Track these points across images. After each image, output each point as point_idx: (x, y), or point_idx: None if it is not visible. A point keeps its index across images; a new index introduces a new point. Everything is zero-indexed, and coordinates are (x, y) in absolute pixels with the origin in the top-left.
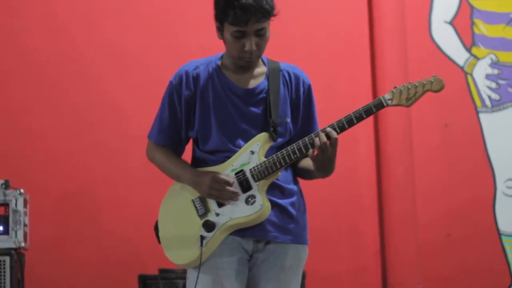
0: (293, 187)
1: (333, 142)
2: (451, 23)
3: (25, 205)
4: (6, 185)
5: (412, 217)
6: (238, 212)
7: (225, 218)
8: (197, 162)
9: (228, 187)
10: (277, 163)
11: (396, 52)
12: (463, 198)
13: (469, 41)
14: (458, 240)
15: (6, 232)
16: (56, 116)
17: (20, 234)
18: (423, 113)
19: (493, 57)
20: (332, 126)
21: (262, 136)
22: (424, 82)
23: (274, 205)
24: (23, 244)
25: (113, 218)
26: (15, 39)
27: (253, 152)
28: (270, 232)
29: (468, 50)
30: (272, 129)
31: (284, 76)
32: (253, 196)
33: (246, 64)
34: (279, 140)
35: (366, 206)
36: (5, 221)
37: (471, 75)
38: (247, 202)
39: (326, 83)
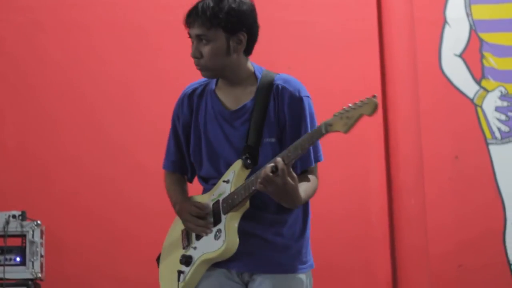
0: (279, 215)
1: (280, 173)
2: (461, 56)
3: (41, 236)
4: (23, 217)
5: (424, 248)
6: (208, 247)
7: (199, 252)
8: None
9: (199, 220)
10: (239, 195)
11: (407, 85)
12: (474, 229)
13: (479, 74)
14: (469, 271)
15: (23, 263)
16: (72, 149)
17: (37, 265)
18: (434, 144)
19: (503, 89)
20: (281, 156)
21: (236, 164)
22: (359, 105)
23: (254, 236)
24: (40, 275)
25: (131, 251)
26: (30, 71)
27: (227, 181)
28: (250, 264)
29: (478, 82)
30: (247, 155)
31: (273, 90)
32: (220, 231)
33: (202, 75)
34: (263, 163)
35: (378, 238)
36: (22, 252)
37: (481, 107)
38: (215, 236)
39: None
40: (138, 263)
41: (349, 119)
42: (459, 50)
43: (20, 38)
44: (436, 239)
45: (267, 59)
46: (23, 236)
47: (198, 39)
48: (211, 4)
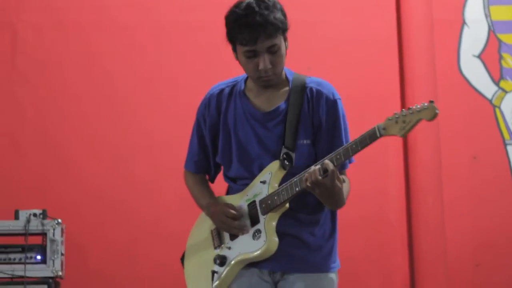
0: (313, 215)
1: (330, 175)
2: (479, 57)
3: (62, 235)
4: (44, 215)
5: (441, 248)
6: (246, 247)
7: (235, 252)
8: (228, 188)
9: (235, 222)
10: (281, 197)
11: (426, 85)
12: (492, 229)
13: (497, 75)
14: (487, 271)
15: (44, 261)
16: (92, 148)
17: (58, 263)
18: (452, 145)
19: None
20: (329, 158)
21: (274, 165)
22: (418, 110)
23: (287, 235)
24: (60, 273)
25: (149, 249)
26: (52, 72)
27: (264, 182)
28: (284, 263)
29: (496, 83)
30: (284, 156)
31: (307, 93)
32: (259, 231)
33: (265, 84)
34: (298, 164)
35: (396, 238)
36: (43, 250)
37: (499, 108)
38: (253, 237)
39: (356, 118)
40: (158, 262)
41: (406, 123)
42: (477, 51)
43: (41, 39)
44: (454, 239)
45: (287, 60)
46: (44, 234)
47: (269, 51)
48: (269, 12)
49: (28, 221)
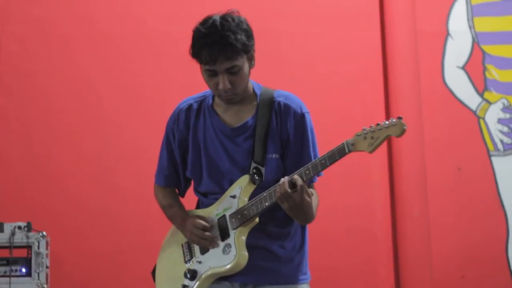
0: (283, 228)
1: (298, 190)
2: (463, 68)
3: (47, 247)
4: (29, 228)
5: (427, 260)
6: (216, 262)
7: (205, 267)
8: (197, 202)
9: (205, 233)
10: (251, 211)
11: (410, 97)
12: (477, 241)
13: (482, 86)
14: (473, 282)
15: (29, 274)
16: (77, 159)
17: (43, 276)
18: (437, 157)
19: (505, 101)
20: (298, 173)
21: (243, 179)
22: (386, 126)
23: (258, 248)
24: (45, 286)
25: (134, 261)
26: (35, 84)
27: (234, 196)
28: (254, 276)
29: (481, 94)
30: (254, 170)
31: (275, 107)
32: (229, 245)
33: (227, 102)
34: (268, 179)
35: (382, 250)
36: (27, 263)
37: (484, 119)
38: (223, 251)
39: (340, 130)
40: (143, 273)
41: (374, 140)
42: (461, 62)
43: (25, 50)
44: (439, 250)
45: (270, 71)
46: (28, 247)
47: (228, 72)
48: (230, 34)
49: (13, 233)
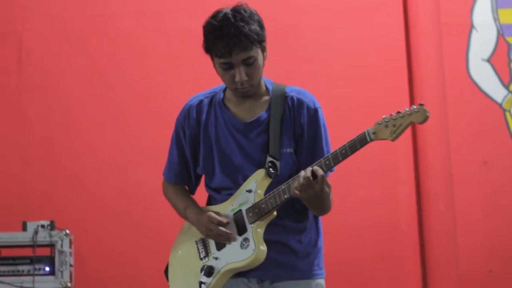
0: (299, 223)
1: (319, 180)
2: (488, 60)
3: (70, 246)
4: (52, 226)
5: (453, 254)
6: (233, 257)
7: (223, 262)
8: (209, 198)
9: (222, 228)
10: (269, 204)
11: (435, 90)
12: (504, 234)
13: (507, 78)
14: (500, 276)
15: (52, 272)
16: (99, 158)
17: (66, 275)
18: (462, 150)
19: None
20: (318, 164)
21: (259, 173)
22: (408, 113)
23: (275, 243)
24: (69, 285)
25: (159, 259)
26: (55, 82)
27: (250, 190)
28: (272, 271)
29: (506, 87)
30: (270, 164)
31: (288, 102)
32: (247, 240)
33: (242, 95)
34: (283, 173)
35: (408, 245)
36: (51, 262)
37: (509, 111)
38: (241, 245)
39: (364, 124)
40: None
41: (396, 127)
42: (486, 54)
43: (47, 48)
44: (466, 245)
45: (293, 67)
46: (52, 245)
47: (244, 63)
48: (244, 24)
49: (36, 232)
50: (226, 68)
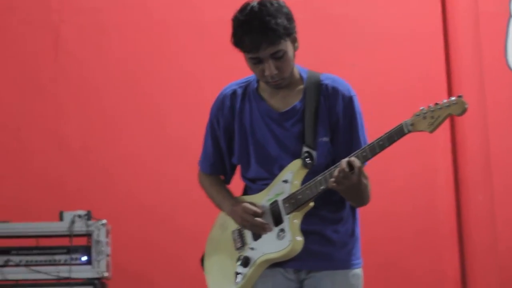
0: (336, 213)
1: (356, 172)
2: None
3: (107, 235)
4: (89, 216)
5: (492, 244)
6: (269, 248)
7: (259, 253)
8: (244, 188)
9: (257, 219)
10: (305, 195)
11: (472, 79)
12: None
13: None
14: None
15: (89, 262)
16: (136, 148)
17: (103, 264)
18: (501, 140)
19: None
20: (355, 155)
21: (295, 164)
22: (446, 105)
23: (312, 233)
24: (106, 274)
25: (195, 248)
26: (92, 73)
27: (286, 181)
28: (309, 261)
29: None
30: (306, 154)
31: (323, 90)
32: (283, 230)
33: (274, 87)
34: (319, 162)
35: (446, 234)
36: (88, 251)
37: None
38: (278, 236)
39: (402, 113)
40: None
41: (434, 119)
42: None
43: (83, 39)
44: (505, 234)
45: (331, 56)
46: (88, 235)
47: (273, 57)
48: (270, 18)
49: (73, 222)
50: (255, 62)
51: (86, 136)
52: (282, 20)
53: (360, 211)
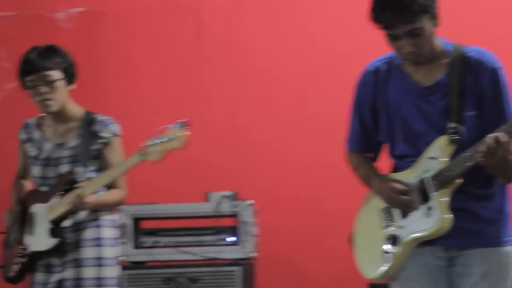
0: (485, 189)
1: (504, 146)
2: None
3: (254, 216)
4: (235, 197)
5: None
6: (417, 226)
7: (408, 231)
8: (392, 165)
9: (403, 197)
10: (453, 172)
11: None
12: None
13: None
14: None
15: (236, 243)
16: (282, 129)
17: (250, 245)
18: None
19: None
20: (503, 130)
21: (442, 140)
22: None
23: (461, 210)
24: (253, 255)
25: (341, 230)
26: (237, 55)
27: (433, 158)
28: (459, 239)
29: None
30: (453, 130)
31: (468, 63)
32: (431, 208)
33: (413, 63)
34: (467, 137)
35: None
36: (235, 232)
37: None
38: (426, 214)
39: None
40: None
41: None
42: None
43: (225, 21)
44: None
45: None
46: (235, 216)
47: (410, 35)
48: None
49: (220, 203)
50: (392, 39)
51: (230, 117)
52: None
53: (511, 188)
